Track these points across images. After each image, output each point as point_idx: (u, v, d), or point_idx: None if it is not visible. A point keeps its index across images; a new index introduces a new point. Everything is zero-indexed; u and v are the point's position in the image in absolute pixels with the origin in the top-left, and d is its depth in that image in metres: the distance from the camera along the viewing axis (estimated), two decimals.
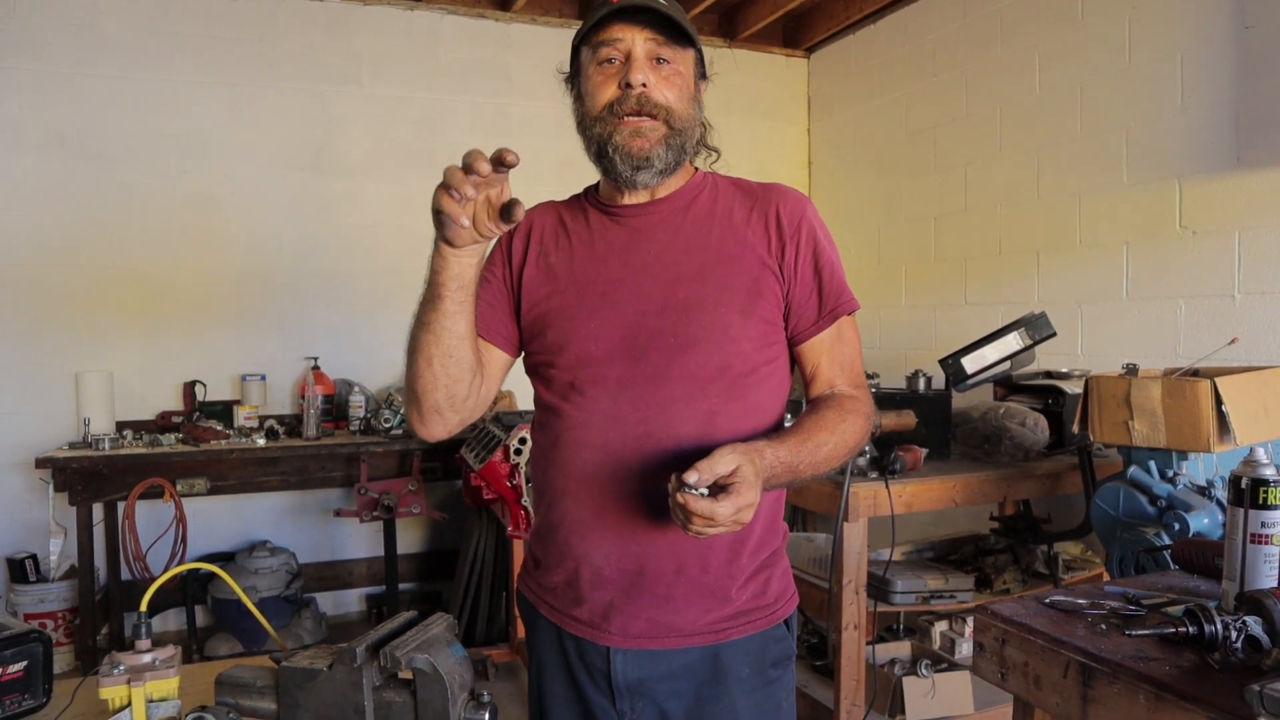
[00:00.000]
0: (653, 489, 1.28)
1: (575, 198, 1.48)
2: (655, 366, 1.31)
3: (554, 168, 4.84)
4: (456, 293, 1.21)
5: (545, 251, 1.41)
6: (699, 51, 1.38)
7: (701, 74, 1.40)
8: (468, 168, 1.06)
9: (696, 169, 1.46)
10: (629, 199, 1.39)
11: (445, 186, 1.08)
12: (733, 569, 1.34)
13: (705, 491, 1.11)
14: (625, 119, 1.30)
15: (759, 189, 1.43)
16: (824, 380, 1.39)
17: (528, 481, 3.30)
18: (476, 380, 1.32)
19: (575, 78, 1.40)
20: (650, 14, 1.29)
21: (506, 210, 1.11)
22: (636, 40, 1.29)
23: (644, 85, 1.29)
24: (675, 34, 1.31)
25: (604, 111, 1.31)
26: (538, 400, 1.43)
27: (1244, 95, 2.97)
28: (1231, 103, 3.01)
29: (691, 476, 1.10)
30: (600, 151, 1.33)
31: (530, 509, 3.30)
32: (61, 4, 3.94)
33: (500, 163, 1.06)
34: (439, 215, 1.11)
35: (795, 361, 1.42)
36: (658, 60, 1.31)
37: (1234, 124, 3.00)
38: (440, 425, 1.34)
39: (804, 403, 1.42)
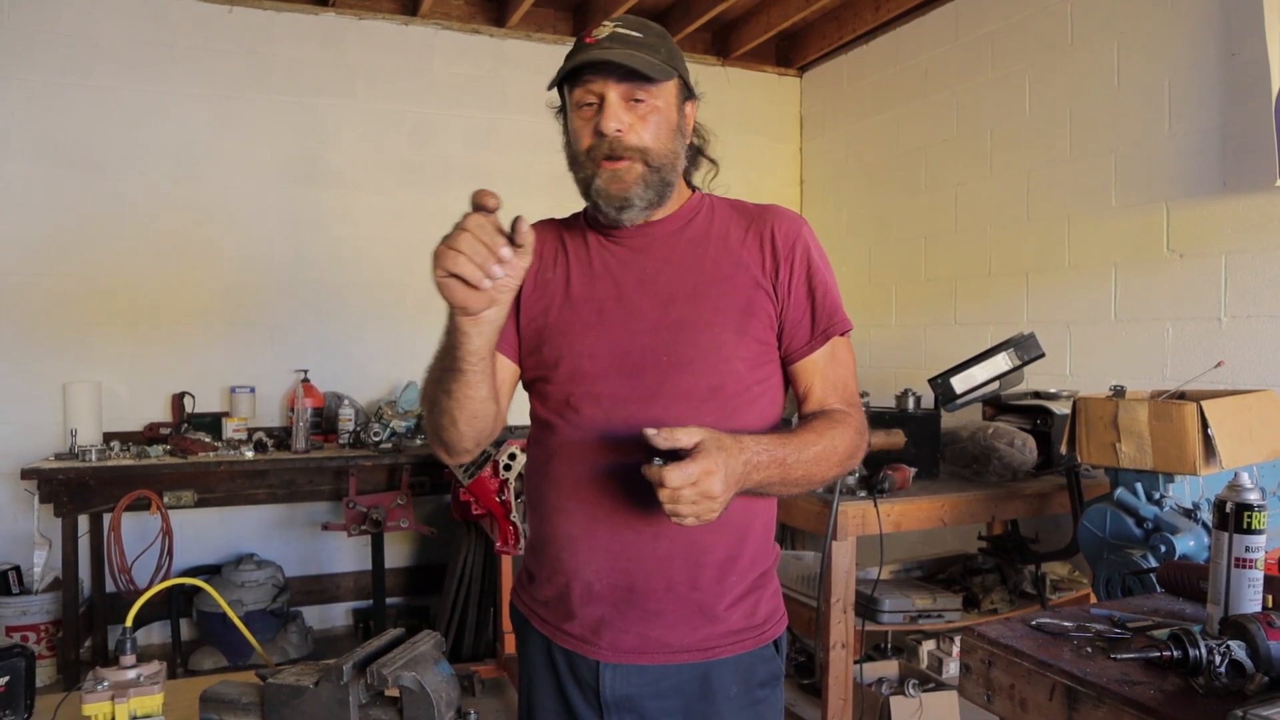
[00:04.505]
0: (644, 506, 1.28)
1: (575, 216, 1.49)
2: (649, 385, 1.32)
3: (548, 182, 4.85)
4: (479, 364, 1.23)
5: (543, 268, 1.42)
6: (681, 75, 1.37)
7: (687, 95, 1.40)
8: (498, 233, 1.10)
9: (695, 189, 1.47)
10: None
11: (451, 261, 1.09)
12: (722, 586, 1.35)
13: (664, 462, 1.11)
14: (604, 163, 1.31)
15: (755, 210, 1.44)
16: (816, 400, 1.39)
17: (517, 497, 3.29)
18: (497, 417, 1.36)
19: (565, 112, 1.41)
20: (619, 66, 1.29)
21: (513, 229, 1.12)
22: (609, 85, 1.30)
23: (618, 131, 1.30)
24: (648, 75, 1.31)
25: (584, 157, 1.33)
26: (533, 415, 1.44)
27: (1230, 121, 3.01)
28: (1218, 128, 3.04)
29: (650, 430, 1.11)
30: (585, 193, 1.36)
31: (519, 524, 3.30)
32: (56, 13, 3.95)
33: (484, 208, 1.10)
34: (450, 290, 1.13)
35: (789, 381, 1.42)
36: (636, 99, 1.31)
37: (1221, 149, 3.04)
38: (466, 458, 1.40)
39: (795, 421, 1.43)
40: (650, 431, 1.11)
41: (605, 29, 1.33)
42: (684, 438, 1.11)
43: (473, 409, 1.28)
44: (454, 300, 1.13)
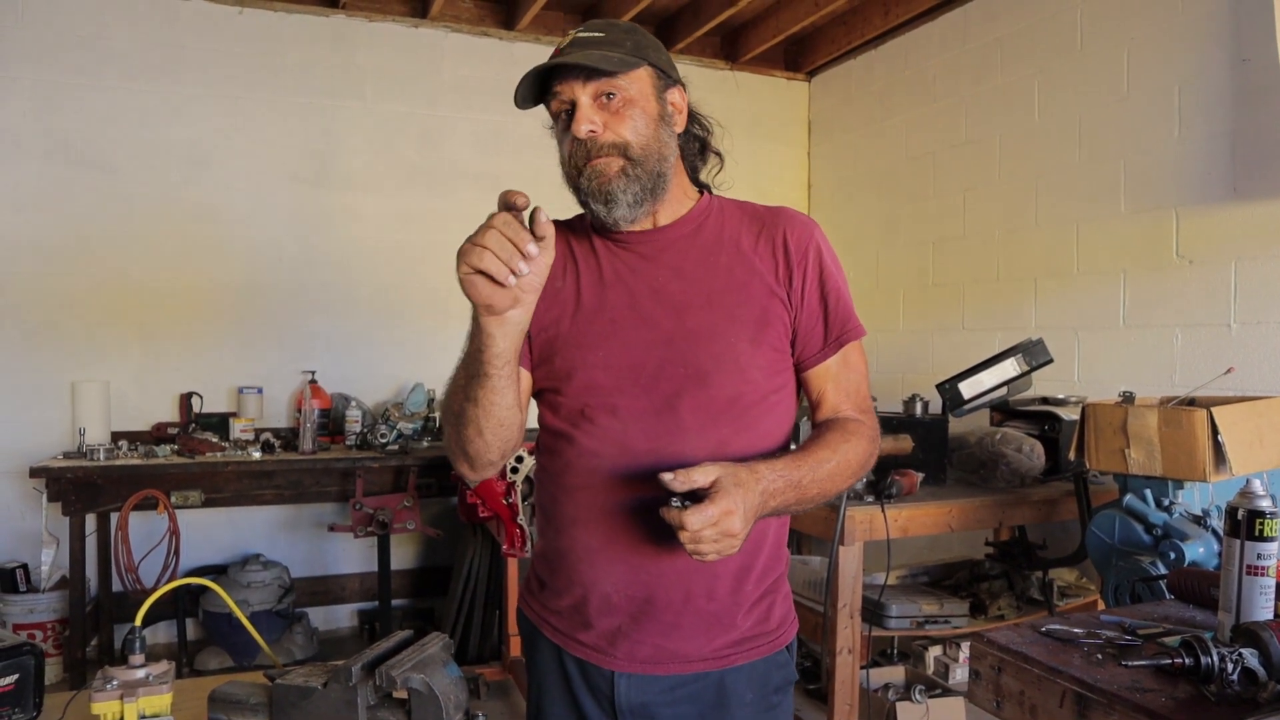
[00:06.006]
0: (662, 518, 1.27)
1: (579, 218, 1.44)
2: (666, 396, 1.30)
3: (556, 185, 4.87)
4: (504, 368, 1.20)
5: (553, 276, 1.36)
6: (654, 64, 1.33)
7: (669, 82, 1.35)
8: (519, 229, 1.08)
9: (704, 192, 1.44)
10: (633, 225, 1.36)
11: (477, 257, 1.08)
12: (738, 596, 1.34)
13: (682, 503, 1.11)
14: (586, 164, 1.30)
15: (766, 213, 1.41)
16: (830, 406, 1.38)
17: (524, 499, 3.29)
18: (520, 427, 1.33)
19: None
20: (577, 67, 1.27)
21: (532, 220, 1.11)
22: (575, 89, 1.28)
23: (591, 132, 1.28)
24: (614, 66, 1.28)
25: (569, 166, 1.33)
26: (544, 425, 1.41)
27: (1241, 127, 3.00)
28: (1228, 134, 3.03)
29: (667, 475, 1.11)
30: (580, 201, 1.34)
31: (526, 527, 3.29)
32: (69, 14, 3.96)
33: (514, 206, 1.09)
34: (474, 288, 1.11)
35: (801, 387, 1.41)
36: (607, 96, 1.29)
37: (1230, 155, 3.03)
38: (491, 471, 1.37)
39: (802, 426, 1.42)
40: (666, 476, 1.11)
41: (568, 38, 1.32)
42: (700, 478, 1.11)
43: (499, 416, 1.25)
44: (479, 298, 1.11)
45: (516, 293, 1.12)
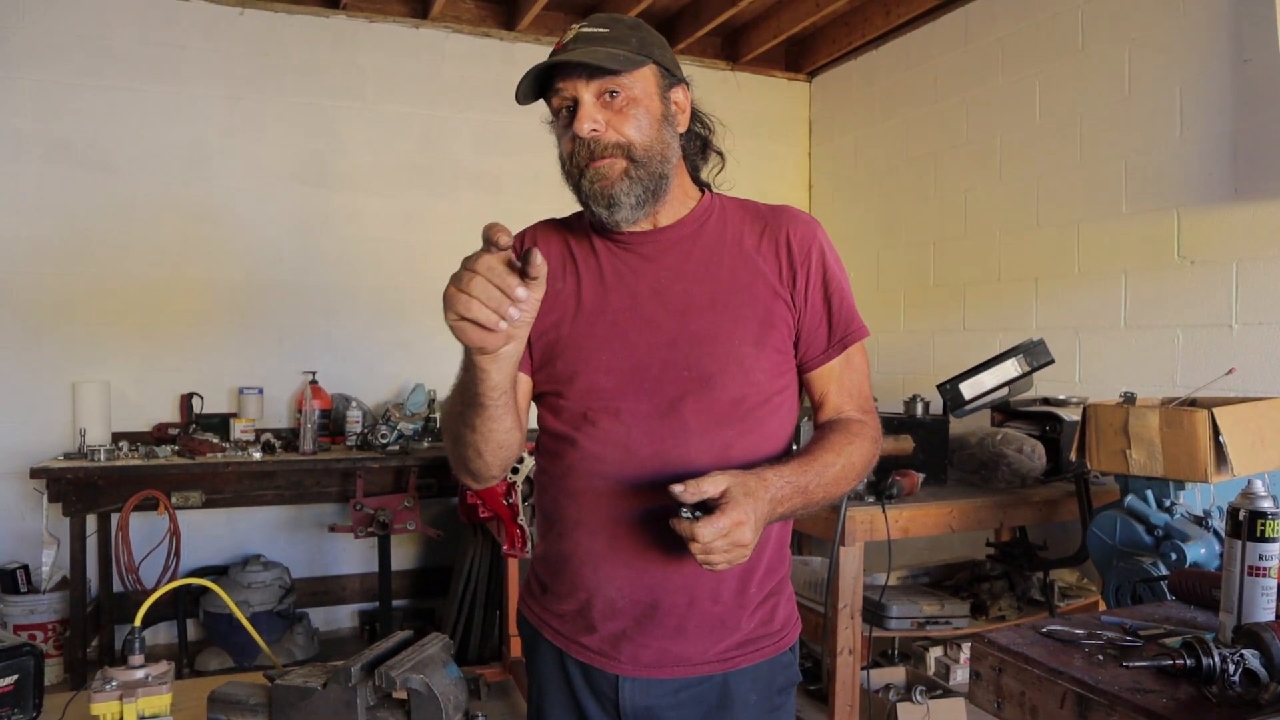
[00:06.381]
0: (668, 525, 1.27)
1: (578, 216, 1.42)
2: (670, 399, 1.29)
3: (556, 185, 4.86)
4: (501, 398, 1.18)
5: (552, 277, 1.34)
6: (659, 62, 1.31)
7: (673, 81, 1.34)
8: (519, 270, 1.03)
9: (705, 191, 1.43)
10: (633, 226, 1.35)
11: (464, 306, 1.03)
12: (743, 598, 1.34)
13: (692, 514, 1.10)
14: (588, 165, 1.28)
15: (768, 212, 1.40)
16: (832, 407, 1.38)
17: (524, 500, 3.29)
18: (521, 442, 1.32)
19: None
20: (581, 64, 1.25)
21: (525, 260, 1.05)
22: (578, 86, 1.26)
23: (594, 131, 1.26)
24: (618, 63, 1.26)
25: (569, 164, 1.31)
26: (545, 428, 1.39)
27: (1242, 128, 2.99)
28: (1230, 135, 3.03)
29: (677, 487, 1.10)
30: (579, 199, 1.33)
31: (526, 528, 3.29)
32: (70, 15, 3.96)
33: (496, 245, 1.03)
34: (464, 334, 1.06)
35: (803, 387, 1.40)
36: (611, 94, 1.27)
37: (1232, 156, 3.03)
38: (494, 483, 1.38)
39: (803, 427, 1.42)
40: (677, 488, 1.10)
41: (571, 32, 1.30)
42: (710, 488, 1.11)
43: (498, 440, 1.24)
44: (470, 343, 1.08)
45: (509, 331, 1.08)
